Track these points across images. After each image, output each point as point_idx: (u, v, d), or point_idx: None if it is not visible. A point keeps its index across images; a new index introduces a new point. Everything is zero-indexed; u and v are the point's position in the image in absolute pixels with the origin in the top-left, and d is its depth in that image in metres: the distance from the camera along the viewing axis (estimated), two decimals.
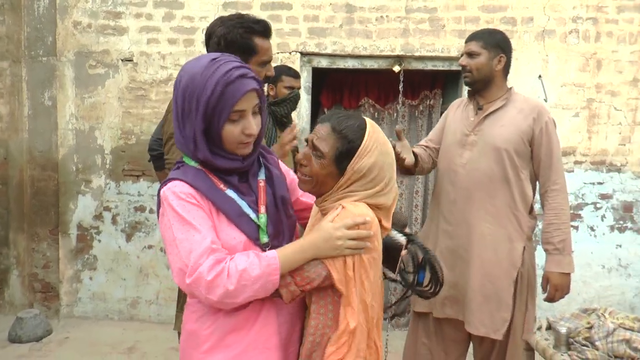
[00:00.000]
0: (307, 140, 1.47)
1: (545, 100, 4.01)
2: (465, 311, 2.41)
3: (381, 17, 4.13)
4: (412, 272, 1.57)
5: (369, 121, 1.48)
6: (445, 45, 4.10)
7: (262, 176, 1.50)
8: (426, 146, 2.64)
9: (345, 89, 4.57)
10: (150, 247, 4.28)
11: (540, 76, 4.05)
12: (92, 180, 4.28)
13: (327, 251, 1.35)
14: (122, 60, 4.21)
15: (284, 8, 4.15)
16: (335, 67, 4.24)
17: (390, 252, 1.51)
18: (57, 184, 4.27)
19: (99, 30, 4.21)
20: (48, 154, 4.25)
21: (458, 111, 2.57)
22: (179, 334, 2.21)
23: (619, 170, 4.10)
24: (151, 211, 4.26)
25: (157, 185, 4.24)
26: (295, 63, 4.10)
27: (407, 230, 1.61)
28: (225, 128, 1.36)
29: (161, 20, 4.18)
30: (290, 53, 4.14)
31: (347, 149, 1.40)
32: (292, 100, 2.98)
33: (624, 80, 4.06)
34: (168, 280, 4.28)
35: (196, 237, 1.31)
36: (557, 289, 2.38)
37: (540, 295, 2.49)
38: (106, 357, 3.72)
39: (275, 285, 1.33)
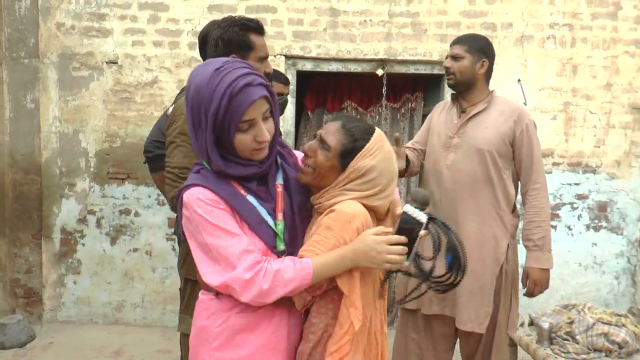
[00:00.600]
0: (315, 136, 1.53)
1: (525, 104, 4.14)
2: (454, 308, 2.49)
3: (365, 21, 4.20)
4: (432, 257, 1.45)
5: (378, 130, 1.54)
6: (428, 49, 4.19)
7: (279, 180, 1.50)
8: (413, 148, 2.71)
9: (328, 91, 4.64)
10: (135, 250, 4.26)
11: (519, 80, 4.18)
12: (76, 184, 4.24)
13: (365, 263, 1.38)
14: (106, 62, 4.19)
15: (269, 11, 4.18)
16: (319, 70, 4.29)
17: (406, 234, 1.40)
18: (40, 188, 4.21)
19: (82, 32, 4.18)
20: (30, 158, 4.19)
21: (442, 114, 2.65)
22: (182, 335, 2.23)
23: (594, 172, 4.26)
24: (136, 214, 4.25)
25: (142, 188, 4.23)
26: (280, 66, 4.14)
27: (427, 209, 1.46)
28: (236, 138, 1.36)
29: (146, 23, 4.17)
30: (275, 56, 4.17)
31: (352, 146, 1.47)
32: (280, 107, 3.02)
33: (598, 85, 4.21)
34: (153, 283, 4.27)
35: (230, 241, 1.34)
36: (536, 284, 2.48)
37: (520, 291, 2.59)
38: None
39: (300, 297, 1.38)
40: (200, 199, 1.36)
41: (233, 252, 1.33)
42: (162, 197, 4.15)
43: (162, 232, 4.22)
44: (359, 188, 1.47)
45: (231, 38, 1.97)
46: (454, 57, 2.52)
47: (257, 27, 2.02)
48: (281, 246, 1.43)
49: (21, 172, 4.21)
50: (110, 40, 4.19)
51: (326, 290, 1.43)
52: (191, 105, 1.36)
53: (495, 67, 4.15)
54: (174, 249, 4.21)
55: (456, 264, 1.46)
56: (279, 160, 1.53)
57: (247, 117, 1.34)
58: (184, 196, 1.39)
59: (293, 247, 1.46)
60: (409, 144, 2.77)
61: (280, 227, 1.43)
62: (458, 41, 2.57)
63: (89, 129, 4.23)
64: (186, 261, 2.13)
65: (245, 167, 1.41)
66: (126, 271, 4.27)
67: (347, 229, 1.41)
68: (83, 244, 4.27)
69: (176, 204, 1.98)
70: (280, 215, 1.44)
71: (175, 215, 2.12)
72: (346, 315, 1.39)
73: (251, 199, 1.41)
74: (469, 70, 2.49)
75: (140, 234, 4.24)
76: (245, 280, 1.32)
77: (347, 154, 1.47)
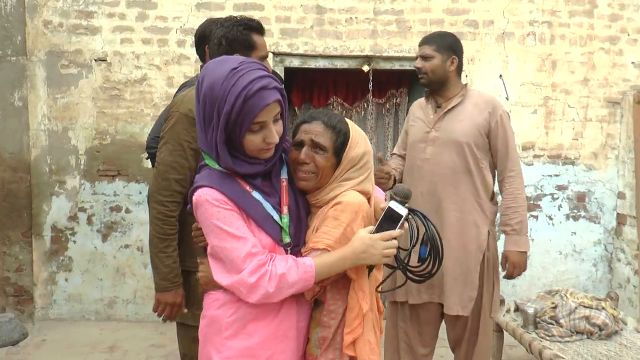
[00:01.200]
0: (299, 143, 1.55)
1: (507, 99, 4.28)
2: (442, 294, 2.59)
3: (350, 18, 4.29)
4: (409, 248, 1.50)
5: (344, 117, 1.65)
6: (412, 46, 4.29)
7: (284, 175, 1.55)
8: (399, 155, 2.83)
9: (314, 87, 4.72)
10: (127, 246, 4.29)
11: (501, 76, 4.31)
12: (66, 181, 4.25)
13: (365, 261, 1.44)
14: (95, 60, 4.20)
15: (256, 9, 4.24)
16: (306, 66, 4.36)
17: (388, 227, 1.47)
18: (30, 186, 4.21)
19: (70, 29, 4.18)
20: (19, 156, 4.19)
21: (419, 111, 2.74)
22: (178, 324, 2.28)
23: (572, 163, 4.42)
24: (127, 211, 4.27)
25: (133, 184, 4.27)
26: (268, 63, 4.20)
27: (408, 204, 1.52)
28: (246, 138, 1.39)
29: (134, 20, 4.20)
30: None
31: (342, 141, 1.55)
32: None
33: (576, 80, 4.38)
34: (145, 279, 4.30)
35: (235, 244, 1.38)
36: (515, 266, 2.59)
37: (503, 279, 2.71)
38: (88, 357, 3.72)
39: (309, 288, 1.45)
40: (208, 201, 1.39)
41: (238, 255, 1.37)
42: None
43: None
44: (355, 175, 1.56)
45: (235, 37, 2.03)
46: (424, 57, 2.60)
47: (258, 27, 2.10)
48: (287, 239, 1.48)
49: (10, 170, 4.20)
50: (98, 37, 4.20)
51: (335, 279, 1.50)
52: (203, 101, 1.38)
53: (478, 63, 4.32)
54: None
55: (433, 254, 1.52)
56: (284, 156, 1.57)
57: (259, 119, 1.37)
58: (194, 197, 1.43)
59: (298, 239, 1.51)
60: (395, 150, 2.88)
61: (285, 221, 1.48)
62: (426, 41, 2.65)
63: (79, 127, 4.23)
64: (179, 253, 2.20)
65: (252, 165, 1.45)
66: (117, 267, 4.30)
67: (354, 218, 1.48)
68: (74, 242, 4.28)
69: (150, 200, 2.07)
70: (285, 209, 1.49)
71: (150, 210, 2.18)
72: (355, 299, 1.48)
73: (256, 194, 1.46)
74: (439, 68, 2.57)
75: (131, 230, 4.27)
76: (250, 284, 1.37)
77: (340, 148, 1.55)
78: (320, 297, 1.55)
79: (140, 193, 4.25)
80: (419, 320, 2.69)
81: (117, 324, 4.29)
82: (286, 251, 1.48)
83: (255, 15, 4.20)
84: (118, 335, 4.09)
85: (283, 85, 4.30)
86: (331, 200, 1.52)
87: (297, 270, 1.40)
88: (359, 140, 1.58)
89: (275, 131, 1.42)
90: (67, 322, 4.31)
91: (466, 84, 2.67)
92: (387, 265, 1.58)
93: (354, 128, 1.60)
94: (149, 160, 3.13)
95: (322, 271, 1.42)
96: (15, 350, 3.81)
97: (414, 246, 1.49)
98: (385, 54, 4.30)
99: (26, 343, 3.93)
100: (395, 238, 1.46)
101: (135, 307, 4.33)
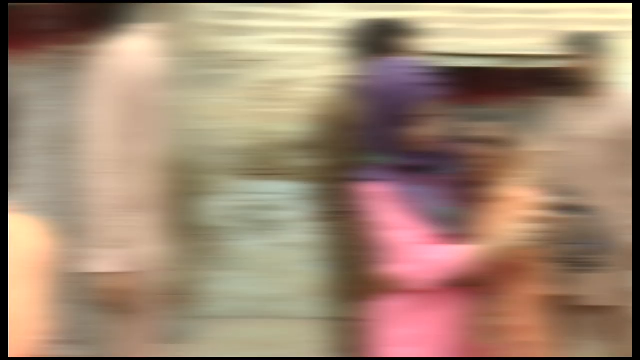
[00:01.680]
0: (478, 139, 1.64)
1: None
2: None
3: (499, 18, 4.35)
4: (583, 243, 1.59)
5: None
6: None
7: (447, 170, 1.63)
8: None
9: (465, 87, 4.71)
10: (282, 244, 4.37)
11: None
12: (220, 181, 4.34)
13: (515, 244, 1.51)
14: (248, 60, 4.30)
15: (407, 9, 4.25)
16: (456, 66, 4.34)
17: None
18: (184, 186, 4.25)
19: (223, 30, 4.27)
20: (173, 156, 4.21)
21: (561, 110, 2.82)
22: (331, 319, 2.34)
23: None
24: (282, 209, 4.36)
25: (287, 183, 4.30)
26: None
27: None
28: (409, 131, 1.51)
29: (287, 20, 4.27)
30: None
31: (516, 139, 1.66)
32: None
33: None
34: (301, 277, 4.30)
35: (398, 233, 1.49)
36: None
37: None
38: (247, 354, 3.79)
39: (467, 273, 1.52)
40: (372, 193, 1.51)
41: (401, 243, 1.49)
42: (307, 192, 4.23)
43: (308, 226, 4.30)
44: (526, 173, 1.67)
45: (375, 38, 2.10)
46: (564, 57, 2.77)
47: (402, 30, 2.18)
48: (449, 231, 1.55)
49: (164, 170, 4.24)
50: (251, 38, 4.24)
51: (508, 268, 1.55)
52: (367, 100, 1.53)
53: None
54: (320, 243, 4.29)
55: (604, 246, 1.62)
56: (445, 152, 1.66)
57: (421, 113, 1.50)
58: (358, 191, 1.55)
59: (461, 231, 1.58)
60: None
61: (447, 213, 1.57)
62: (566, 41, 2.79)
63: (231, 126, 4.29)
64: None
65: (414, 158, 1.55)
66: (274, 266, 4.36)
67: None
68: (229, 240, 4.34)
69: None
70: (448, 202, 1.58)
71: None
72: (527, 287, 1.57)
73: (419, 188, 1.55)
74: (580, 68, 2.71)
75: (286, 228, 4.33)
76: (412, 272, 1.49)
77: (514, 146, 1.66)
78: (490, 288, 1.61)
79: (295, 192, 4.29)
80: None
81: (273, 321, 4.35)
82: (448, 242, 1.55)
83: (407, 15, 4.21)
84: (275, 332, 4.15)
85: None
86: (504, 196, 1.63)
87: (454, 257, 1.50)
88: (529, 140, 1.73)
89: (434, 124, 1.54)
90: (224, 319, 4.35)
91: (607, 83, 2.70)
92: (557, 261, 1.65)
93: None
94: (304, 159, 3.16)
95: (477, 257, 1.50)
96: (175, 348, 3.87)
97: (581, 242, 1.58)
98: (534, 52, 4.32)
99: (185, 341, 3.99)
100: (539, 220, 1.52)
101: (292, 305, 4.39)
